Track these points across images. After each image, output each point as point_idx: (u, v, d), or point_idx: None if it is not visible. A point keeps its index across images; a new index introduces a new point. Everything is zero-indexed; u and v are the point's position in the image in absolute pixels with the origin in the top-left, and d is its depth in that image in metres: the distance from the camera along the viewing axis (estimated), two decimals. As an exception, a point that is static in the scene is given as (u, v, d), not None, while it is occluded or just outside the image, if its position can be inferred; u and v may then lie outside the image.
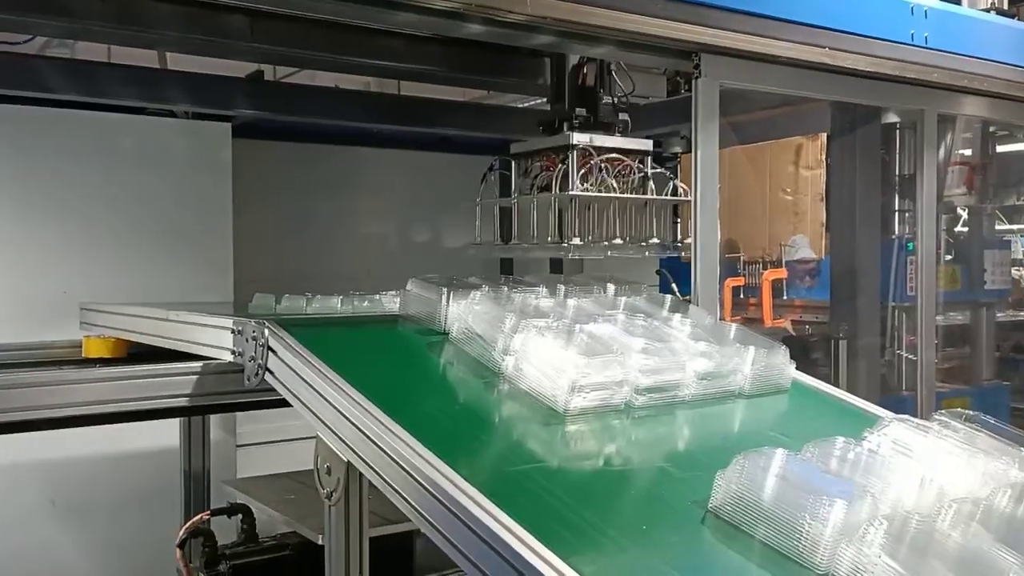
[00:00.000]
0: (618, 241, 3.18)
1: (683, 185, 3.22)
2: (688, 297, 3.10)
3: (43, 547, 4.22)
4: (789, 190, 4.33)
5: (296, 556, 2.71)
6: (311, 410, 2.00)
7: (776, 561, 1.55)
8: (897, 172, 4.56)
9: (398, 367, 2.26)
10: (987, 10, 3.95)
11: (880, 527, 1.46)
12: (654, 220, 3.27)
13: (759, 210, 4.43)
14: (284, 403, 2.16)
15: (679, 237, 3.37)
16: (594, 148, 3.12)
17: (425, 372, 2.26)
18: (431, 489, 1.64)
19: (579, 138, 3.10)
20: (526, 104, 5.56)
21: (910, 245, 4.35)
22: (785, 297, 4.45)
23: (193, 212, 4.66)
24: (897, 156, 4.55)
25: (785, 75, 3.24)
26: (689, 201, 3.09)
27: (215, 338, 2.40)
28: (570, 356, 2.03)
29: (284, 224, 5.68)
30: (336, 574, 2.02)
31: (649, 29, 2.83)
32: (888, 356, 4.48)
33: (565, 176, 3.08)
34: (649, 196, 3.23)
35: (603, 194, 3.11)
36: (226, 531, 2.86)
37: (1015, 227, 7.52)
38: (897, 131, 4.53)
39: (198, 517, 2.79)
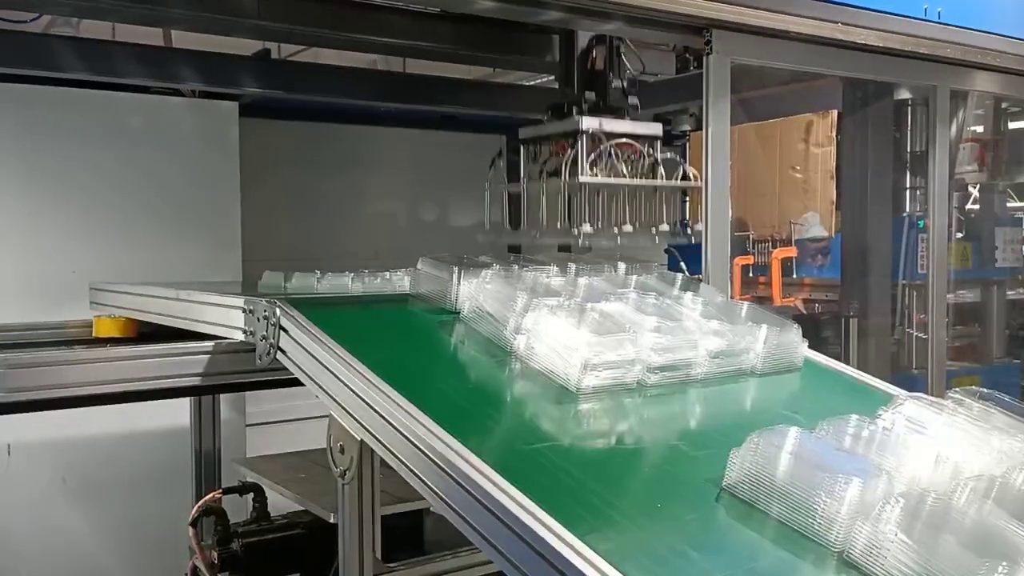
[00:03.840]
0: (628, 228, 3.15)
1: (693, 170, 3.19)
2: (698, 276, 3.08)
3: (54, 526, 4.24)
4: (799, 168, 4.31)
5: (308, 534, 2.72)
6: (324, 389, 2.00)
7: (791, 539, 1.55)
8: (908, 149, 4.53)
9: (410, 346, 2.26)
10: (1000, -16, 3.90)
11: (896, 505, 1.46)
12: (663, 206, 3.24)
13: (769, 188, 4.41)
14: (295, 382, 2.16)
15: (688, 222, 3.34)
16: (604, 133, 3.08)
17: (437, 351, 2.26)
18: (445, 467, 1.64)
19: (588, 123, 3.06)
20: (534, 82, 5.53)
21: (921, 223, 4.33)
22: (795, 276, 4.44)
23: (201, 191, 4.65)
24: (909, 133, 4.52)
25: (797, 51, 3.22)
26: (699, 186, 3.06)
27: (226, 317, 2.40)
28: (582, 335, 2.03)
29: (292, 203, 5.66)
30: (349, 552, 2.02)
31: (659, 4, 2.80)
32: (898, 335, 4.47)
33: (575, 162, 3.03)
34: (659, 182, 3.20)
35: (613, 180, 3.07)
36: (238, 510, 2.87)
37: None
38: (909, 108, 4.49)
39: (210, 496, 2.80)
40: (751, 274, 4.42)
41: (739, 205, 4.17)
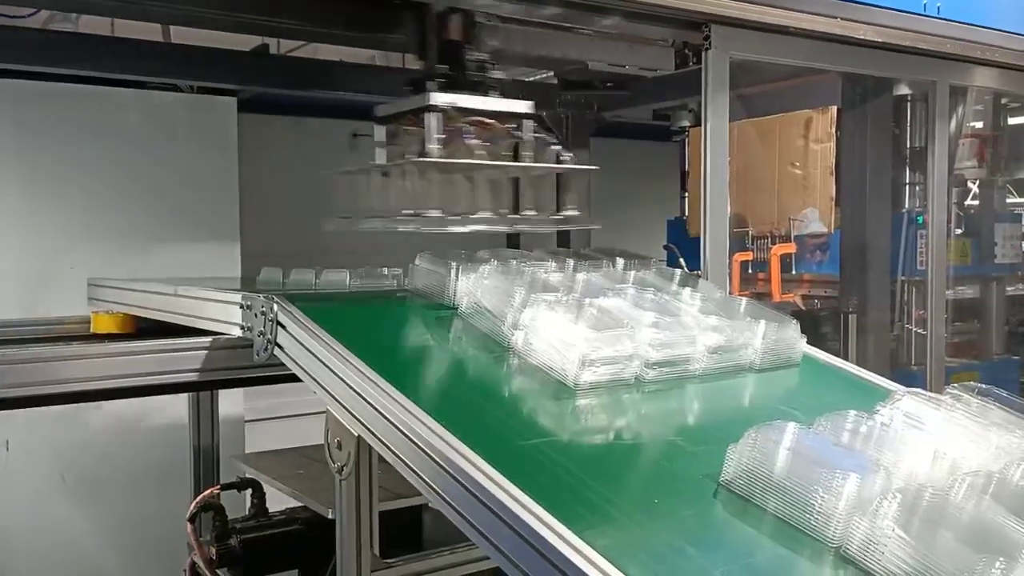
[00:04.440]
0: (484, 214, 2.87)
1: (568, 153, 2.94)
2: (697, 272, 3.05)
3: (53, 523, 4.24)
4: (798, 164, 4.30)
5: (306, 530, 2.72)
6: (321, 384, 2.00)
7: (789, 534, 1.55)
8: (908, 145, 4.52)
9: (408, 341, 2.26)
10: (1000, -20, 3.90)
11: (893, 500, 1.46)
12: (531, 190, 2.94)
13: (768, 184, 4.40)
14: (293, 378, 2.16)
15: (561, 210, 3.02)
16: (457, 110, 2.75)
17: (435, 347, 2.26)
18: (443, 463, 1.63)
19: (439, 98, 2.72)
20: (533, 77, 5.51)
21: (920, 219, 4.33)
22: (794, 272, 4.43)
23: (199, 187, 4.65)
24: (908, 129, 4.51)
25: (797, 47, 3.21)
26: (573, 170, 2.88)
27: (224, 313, 2.40)
28: (580, 330, 2.02)
29: (290, 199, 5.65)
30: (346, 548, 2.02)
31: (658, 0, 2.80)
32: (897, 331, 4.47)
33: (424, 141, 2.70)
34: (518, 164, 2.86)
35: (456, 160, 2.73)
36: (236, 506, 2.87)
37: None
38: (908, 103, 4.48)
39: (208, 492, 2.80)
40: (750, 270, 4.41)
41: (738, 202, 4.15)
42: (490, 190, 2.92)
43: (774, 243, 4.32)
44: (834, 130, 4.15)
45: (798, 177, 4.27)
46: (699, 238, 3.11)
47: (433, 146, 2.67)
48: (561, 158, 2.92)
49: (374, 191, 2.93)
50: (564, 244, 5.13)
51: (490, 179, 2.92)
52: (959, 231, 4.97)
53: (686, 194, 4.84)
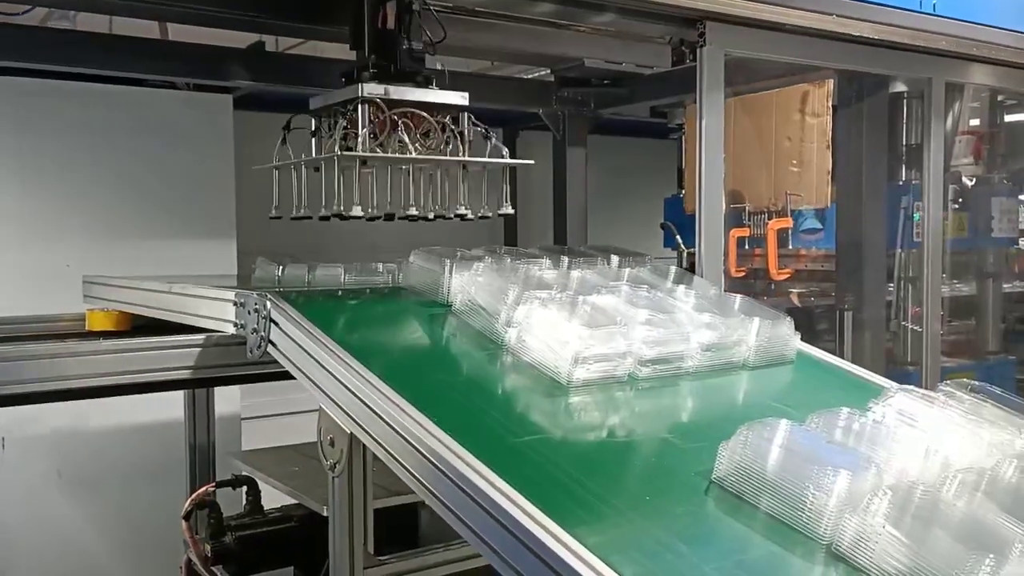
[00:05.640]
0: (412, 212, 2.85)
1: (504, 147, 2.92)
2: (692, 249, 3.05)
3: (49, 519, 4.24)
4: (794, 138, 4.24)
5: (301, 528, 2.71)
6: (313, 382, 2.00)
7: (780, 531, 1.55)
8: (904, 142, 4.52)
9: (401, 339, 2.26)
10: (996, -23, 3.89)
11: (884, 497, 1.46)
12: (461, 186, 2.92)
13: (764, 159, 4.35)
14: (288, 375, 2.16)
15: (500, 206, 3.00)
16: (389, 102, 2.72)
17: (428, 344, 2.26)
18: (434, 460, 1.64)
19: (370, 89, 2.69)
20: (533, 74, 5.50)
21: (916, 216, 4.32)
22: (791, 247, 4.39)
23: (196, 184, 4.64)
24: (904, 126, 4.51)
25: (792, 43, 3.21)
26: (508, 164, 2.86)
27: (218, 310, 2.40)
28: (573, 327, 2.03)
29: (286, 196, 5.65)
30: (340, 545, 2.02)
31: (653, -4, 2.79)
32: (893, 328, 4.47)
33: (350, 135, 2.71)
34: (450, 158, 2.83)
35: (378, 155, 2.69)
36: (231, 503, 2.87)
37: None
38: (904, 101, 4.48)
39: (203, 489, 2.80)
40: (747, 246, 4.36)
41: (734, 177, 4.09)
42: (426, 183, 2.90)
43: (770, 218, 4.27)
44: (830, 103, 4.11)
45: (794, 151, 4.22)
46: (695, 215, 3.10)
47: (361, 139, 2.65)
48: (501, 153, 2.91)
49: (303, 184, 2.91)
50: (561, 241, 5.14)
51: (428, 173, 2.89)
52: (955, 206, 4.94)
53: (683, 192, 4.82)
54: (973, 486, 1.58)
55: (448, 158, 2.84)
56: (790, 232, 4.27)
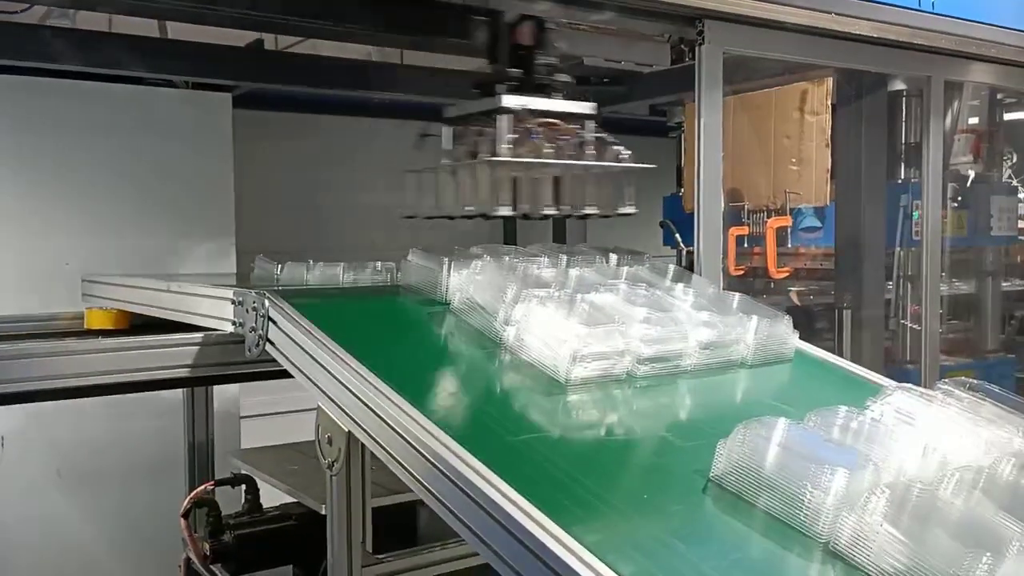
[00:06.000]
0: (550, 211, 3.01)
1: (627, 151, 3.04)
2: (691, 247, 3.05)
3: (48, 518, 4.25)
4: (793, 136, 4.24)
5: (300, 526, 2.71)
6: (311, 380, 2.00)
7: (778, 530, 1.55)
8: (903, 140, 4.52)
9: (399, 337, 2.26)
10: (995, -25, 3.89)
11: (882, 495, 1.46)
12: (593, 188, 3.08)
13: (763, 157, 4.35)
14: (286, 374, 2.16)
15: (619, 207, 3.15)
16: (528, 112, 2.87)
17: (426, 342, 2.25)
18: (432, 459, 1.63)
19: (510, 101, 2.85)
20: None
21: (915, 214, 4.32)
22: (790, 245, 4.39)
23: (195, 182, 4.64)
24: (903, 124, 4.50)
25: (791, 41, 3.21)
26: (633, 168, 2.98)
27: (216, 309, 2.40)
28: (571, 326, 2.02)
29: (287, 195, 5.65)
30: (338, 544, 2.02)
31: (652, -6, 2.79)
32: (892, 326, 4.46)
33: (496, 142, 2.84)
34: (587, 163, 2.99)
35: (523, 160, 2.85)
36: (230, 501, 2.87)
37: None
38: (903, 99, 4.48)
39: (202, 487, 2.80)
40: (746, 245, 4.35)
41: (733, 175, 4.09)
42: (558, 187, 3.06)
43: (770, 216, 4.27)
44: (830, 101, 4.10)
45: (793, 149, 4.21)
46: (694, 214, 3.11)
47: (504, 146, 2.81)
48: (620, 157, 3.04)
49: (442, 188, 3.10)
50: (560, 239, 5.14)
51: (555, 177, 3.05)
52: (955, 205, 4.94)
53: (682, 190, 4.82)
54: (971, 484, 1.58)
55: (584, 162, 2.99)
56: (789, 230, 4.27)
